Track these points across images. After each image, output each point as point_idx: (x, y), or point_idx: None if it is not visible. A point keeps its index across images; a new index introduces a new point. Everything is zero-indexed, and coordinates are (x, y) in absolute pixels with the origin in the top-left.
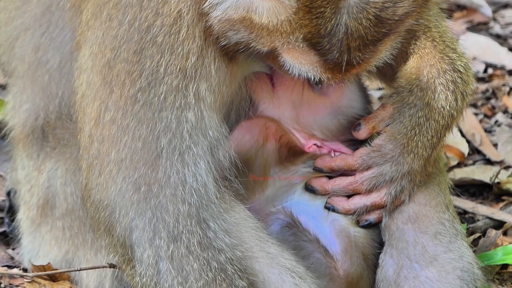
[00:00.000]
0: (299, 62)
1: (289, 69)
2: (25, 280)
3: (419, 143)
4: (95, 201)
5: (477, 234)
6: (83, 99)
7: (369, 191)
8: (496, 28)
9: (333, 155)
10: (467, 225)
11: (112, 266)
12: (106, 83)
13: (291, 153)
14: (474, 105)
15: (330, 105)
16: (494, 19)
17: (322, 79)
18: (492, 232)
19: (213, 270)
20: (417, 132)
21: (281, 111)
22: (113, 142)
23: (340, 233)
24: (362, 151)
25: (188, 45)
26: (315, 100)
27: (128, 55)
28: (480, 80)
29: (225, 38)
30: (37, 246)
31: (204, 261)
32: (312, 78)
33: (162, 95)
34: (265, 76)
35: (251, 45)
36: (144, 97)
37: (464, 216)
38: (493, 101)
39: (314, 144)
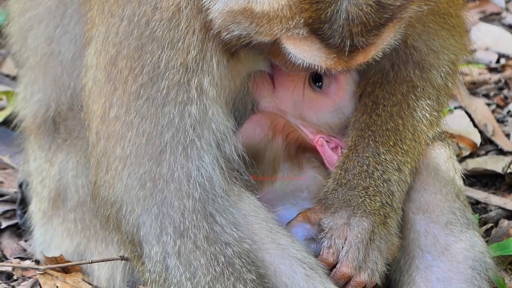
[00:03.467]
0: (302, 50)
1: (292, 59)
2: (37, 272)
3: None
4: (104, 198)
5: (490, 225)
6: (90, 97)
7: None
8: (509, 19)
9: (339, 152)
10: (480, 215)
11: (123, 258)
12: (110, 80)
13: (300, 150)
14: (487, 96)
15: (332, 104)
16: (507, 10)
17: (326, 67)
18: (504, 223)
19: (220, 264)
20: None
21: (283, 110)
22: (118, 138)
23: None
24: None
25: (188, 39)
26: (316, 100)
27: (129, 51)
28: (493, 70)
29: (227, 32)
30: (49, 238)
31: (212, 256)
32: (316, 66)
33: (164, 90)
34: (266, 76)
35: (253, 37)
36: (147, 92)
37: (476, 206)
38: (505, 91)
39: (321, 137)
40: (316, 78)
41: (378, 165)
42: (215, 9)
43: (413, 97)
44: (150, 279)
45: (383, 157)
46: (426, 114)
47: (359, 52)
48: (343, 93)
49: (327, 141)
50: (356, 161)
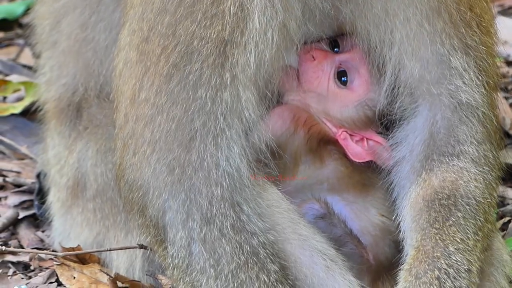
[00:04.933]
0: None
1: None
2: (55, 262)
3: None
4: (129, 181)
5: (507, 218)
6: (120, 78)
7: None
8: None
9: (365, 144)
10: (497, 209)
11: (142, 247)
12: (141, 60)
13: (322, 143)
14: (505, 89)
15: (356, 99)
16: None
17: None
18: None
19: (245, 254)
20: None
21: (307, 104)
22: (147, 122)
23: (372, 223)
24: None
25: (226, 9)
26: (340, 95)
27: (162, 27)
28: (511, 64)
29: None
30: (68, 228)
31: (237, 244)
32: None
33: (197, 72)
34: (292, 70)
35: None
36: (179, 74)
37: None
38: None
39: (344, 131)
40: (340, 74)
41: (449, 268)
42: None
43: (462, 183)
44: (172, 264)
45: (454, 258)
46: (480, 198)
47: None
48: (367, 87)
49: (350, 135)
50: (426, 263)
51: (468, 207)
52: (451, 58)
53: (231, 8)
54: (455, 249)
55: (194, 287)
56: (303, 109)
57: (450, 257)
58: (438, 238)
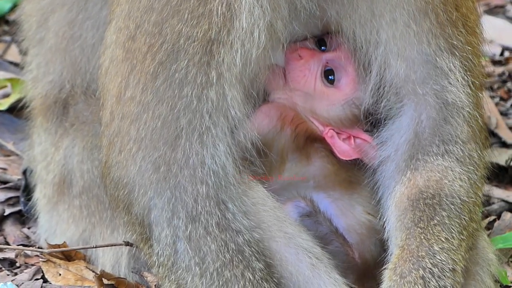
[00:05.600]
0: None
1: None
2: (41, 259)
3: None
4: (115, 178)
5: (492, 217)
6: (106, 75)
7: None
8: None
9: (353, 142)
10: (482, 208)
11: (128, 244)
12: (128, 58)
13: (308, 141)
14: (490, 88)
15: (343, 97)
16: (511, 2)
17: None
18: (507, 215)
19: (230, 252)
20: None
21: (294, 103)
22: (133, 119)
23: (358, 221)
24: None
25: (212, 7)
26: (327, 94)
27: (149, 26)
28: (497, 63)
29: None
30: (55, 225)
31: (222, 242)
32: None
33: (183, 70)
34: (278, 69)
35: None
36: (165, 73)
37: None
38: (509, 84)
39: (332, 129)
40: (327, 73)
41: (434, 267)
42: None
43: (447, 182)
44: (158, 262)
45: (438, 257)
46: (465, 197)
47: None
48: (354, 85)
49: (337, 133)
50: (411, 262)
51: (452, 206)
52: (437, 58)
53: (219, 8)
54: (440, 248)
55: (180, 285)
56: (290, 107)
57: (435, 256)
58: (423, 237)
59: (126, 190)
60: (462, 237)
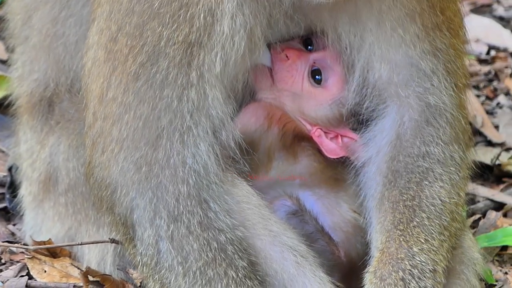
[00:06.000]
0: None
1: None
2: (26, 256)
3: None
4: (98, 179)
5: (477, 216)
6: (89, 76)
7: None
8: (500, 10)
9: (340, 141)
10: (468, 206)
11: (113, 241)
12: (109, 59)
13: (296, 140)
14: (476, 87)
15: (331, 97)
16: (498, 1)
17: None
18: (492, 214)
19: (213, 250)
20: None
21: (281, 102)
22: (115, 120)
23: (343, 219)
24: None
25: (193, 11)
26: (315, 93)
27: (130, 28)
28: (483, 62)
29: None
30: (40, 222)
31: (204, 241)
32: None
33: (164, 71)
34: (265, 69)
35: None
36: (146, 74)
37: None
38: (495, 83)
39: (319, 128)
40: (314, 73)
41: (413, 268)
42: None
43: (427, 183)
44: (141, 262)
45: (418, 258)
46: (445, 198)
47: None
48: (341, 85)
49: (325, 132)
50: (391, 265)
51: (433, 207)
52: (420, 61)
53: (200, 13)
54: (419, 249)
55: (163, 284)
56: (277, 106)
57: (414, 258)
58: (402, 239)
59: (109, 190)
60: (443, 237)
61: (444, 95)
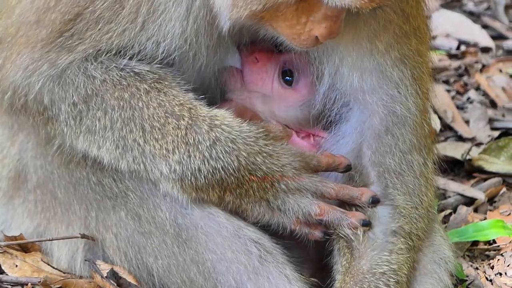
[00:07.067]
0: None
1: (327, 4)
2: None
3: None
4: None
5: (448, 211)
6: None
7: None
8: (470, 5)
9: (312, 140)
10: (438, 201)
11: (84, 236)
12: None
13: None
14: (447, 82)
15: (301, 98)
16: None
17: (361, 5)
18: (463, 209)
19: None
20: None
21: (252, 104)
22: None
23: None
24: None
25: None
26: (285, 95)
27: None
28: (453, 57)
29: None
30: (10, 218)
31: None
32: (352, 4)
33: None
34: (235, 71)
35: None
36: None
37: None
38: (465, 78)
39: (291, 129)
40: (285, 74)
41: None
42: None
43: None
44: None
45: (381, 270)
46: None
47: None
48: (311, 86)
49: (296, 132)
50: (353, 281)
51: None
52: (389, 69)
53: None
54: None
55: (90, 131)
56: (248, 107)
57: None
58: (362, 259)
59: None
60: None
61: (410, 102)
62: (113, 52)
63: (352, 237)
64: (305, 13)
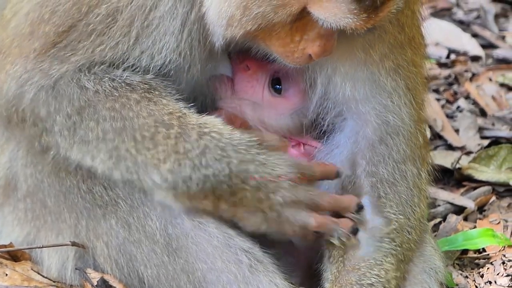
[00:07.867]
0: (333, 12)
1: (322, 24)
2: None
3: None
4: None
5: (438, 219)
6: None
7: None
8: (459, 14)
9: (302, 149)
10: (428, 210)
11: (74, 244)
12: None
13: None
14: (436, 91)
15: (291, 107)
16: (458, 5)
17: (355, 27)
18: (452, 218)
19: None
20: None
21: (242, 112)
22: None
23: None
24: None
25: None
26: (275, 104)
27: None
28: (443, 65)
29: (246, 18)
30: (0, 226)
31: None
32: (347, 26)
33: None
34: (225, 79)
35: (277, 13)
36: None
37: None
38: (455, 86)
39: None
40: (274, 82)
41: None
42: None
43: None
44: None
45: (369, 281)
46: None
47: (383, 6)
48: (302, 95)
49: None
50: None
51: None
52: (383, 79)
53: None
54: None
55: (84, 142)
56: (238, 115)
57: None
58: (351, 269)
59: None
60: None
61: (403, 112)
62: (107, 64)
63: (343, 246)
64: (299, 32)
